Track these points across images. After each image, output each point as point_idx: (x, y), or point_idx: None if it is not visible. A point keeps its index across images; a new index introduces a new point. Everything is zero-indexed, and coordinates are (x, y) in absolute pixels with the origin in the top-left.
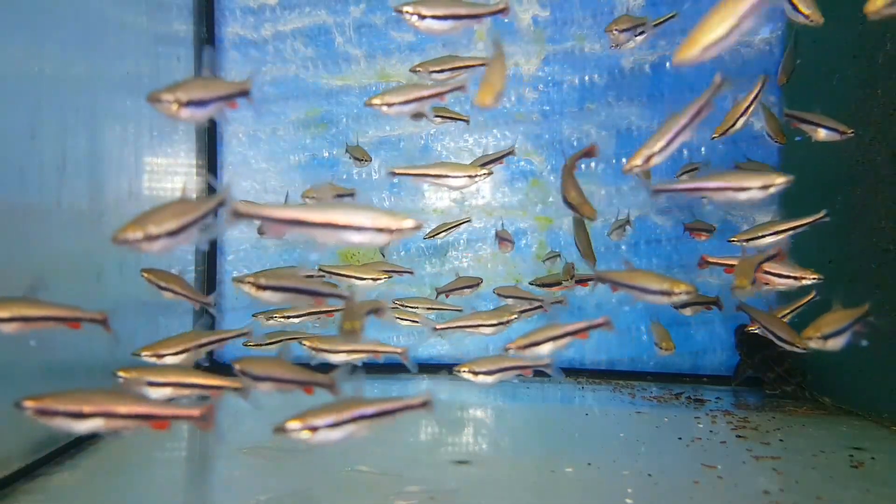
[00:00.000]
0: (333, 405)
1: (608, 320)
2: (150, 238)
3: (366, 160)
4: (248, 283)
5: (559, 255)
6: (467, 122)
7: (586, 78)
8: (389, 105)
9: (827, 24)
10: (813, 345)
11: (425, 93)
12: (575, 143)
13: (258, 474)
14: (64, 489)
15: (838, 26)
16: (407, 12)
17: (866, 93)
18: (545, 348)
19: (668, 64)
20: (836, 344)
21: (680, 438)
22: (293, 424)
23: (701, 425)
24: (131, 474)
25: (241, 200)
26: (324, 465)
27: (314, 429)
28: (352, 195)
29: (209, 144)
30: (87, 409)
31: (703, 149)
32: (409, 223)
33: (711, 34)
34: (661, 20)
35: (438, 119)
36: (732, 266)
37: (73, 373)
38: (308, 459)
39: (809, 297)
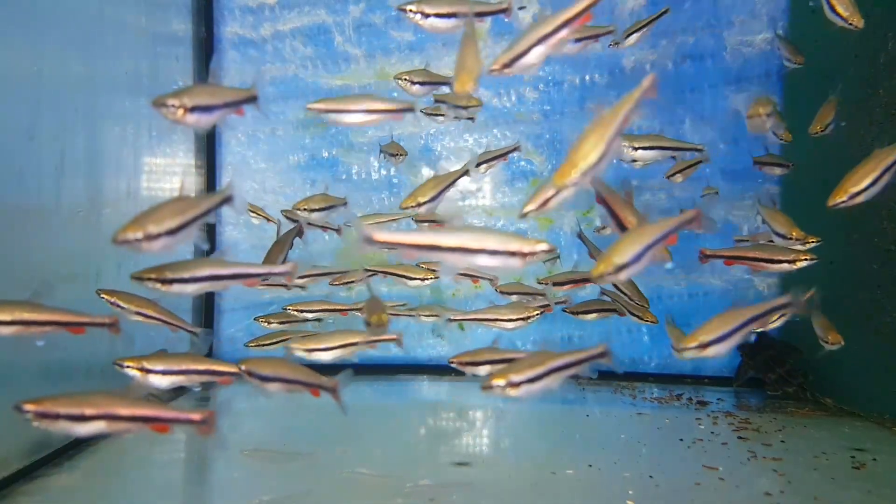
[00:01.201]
0: (526, 361)
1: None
2: (150, 237)
3: (401, 155)
4: (151, 279)
5: (558, 257)
6: (472, 119)
7: (587, 77)
8: (425, 14)
9: (828, 24)
10: (689, 355)
11: (464, 8)
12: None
13: (258, 476)
14: (63, 490)
15: (839, 27)
16: (410, 11)
17: (868, 93)
18: (483, 369)
19: (669, 64)
20: (717, 351)
21: (681, 440)
22: (498, 381)
23: (702, 426)
24: (130, 476)
25: (372, 225)
26: (324, 467)
27: (516, 384)
28: (344, 205)
29: (208, 144)
30: (88, 411)
31: (703, 149)
32: (542, 247)
33: (587, 160)
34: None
35: (442, 118)
36: (732, 258)
37: (72, 373)
38: (308, 461)
39: (808, 295)
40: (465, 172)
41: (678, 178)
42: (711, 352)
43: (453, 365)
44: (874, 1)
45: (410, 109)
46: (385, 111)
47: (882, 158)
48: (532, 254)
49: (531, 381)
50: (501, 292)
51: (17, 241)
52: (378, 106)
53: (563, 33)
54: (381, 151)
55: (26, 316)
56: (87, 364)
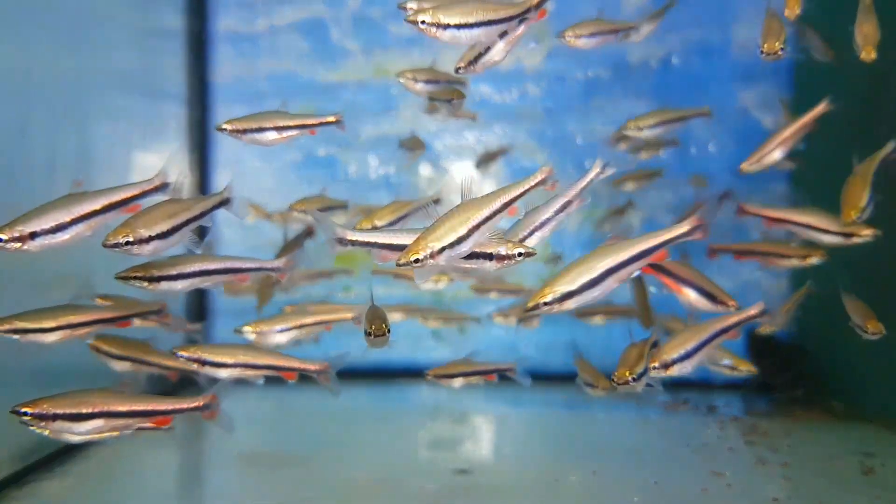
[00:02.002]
0: (634, 350)
1: (512, 367)
2: (140, 241)
3: (419, 150)
4: (137, 277)
5: (560, 258)
6: (474, 118)
7: (590, 73)
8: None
9: (839, 20)
10: (654, 375)
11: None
12: (579, 141)
13: (255, 482)
14: (54, 496)
15: (850, 23)
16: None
17: (878, 89)
18: (456, 382)
19: (674, 58)
20: (682, 369)
21: (688, 445)
22: (621, 375)
23: (709, 432)
24: (123, 482)
25: (344, 225)
26: (322, 473)
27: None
28: (344, 207)
29: (201, 142)
30: (86, 409)
31: (710, 145)
32: (519, 250)
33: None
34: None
35: (441, 115)
36: (741, 253)
37: (64, 376)
38: (306, 467)
39: (804, 291)
40: (436, 201)
41: (630, 185)
42: (676, 370)
43: (429, 379)
44: None
45: (333, 122)
46: (304, 126)
47: (866, 172)
48: (509, 257)
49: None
50: (477, 291)
51: None
52: (296, 122)
53: (521, 30)
54: (400, 146)
55: (72, 319)
56: (79, 367)
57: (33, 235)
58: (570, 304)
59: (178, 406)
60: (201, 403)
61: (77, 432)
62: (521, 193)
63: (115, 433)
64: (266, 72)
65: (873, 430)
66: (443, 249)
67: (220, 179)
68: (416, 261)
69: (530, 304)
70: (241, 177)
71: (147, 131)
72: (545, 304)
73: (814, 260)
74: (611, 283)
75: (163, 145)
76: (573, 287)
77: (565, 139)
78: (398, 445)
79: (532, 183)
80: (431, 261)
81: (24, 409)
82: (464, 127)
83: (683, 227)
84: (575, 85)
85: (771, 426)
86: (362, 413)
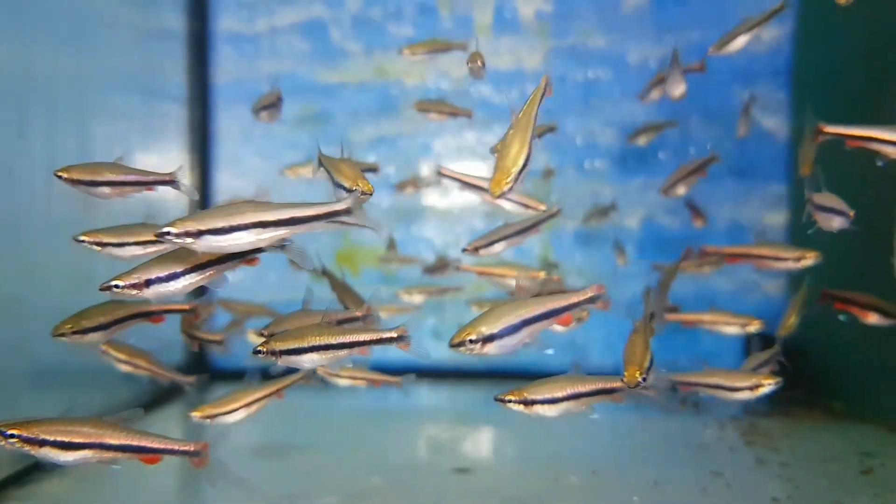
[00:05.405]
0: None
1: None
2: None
3: (443, 270)
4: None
5: (557, 265)
6: (469, 116)
7: (591, 73)
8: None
9: (837, 22)
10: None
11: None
12: (579, 142)
13: (254, 482)
14: (54, 496)
15: (848, 24)
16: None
17: (877, 90)
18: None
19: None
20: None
21: (687, 445)
22: (631, 376)
23: (709, 431)
24: (123, 481)
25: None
26: (321, 475)
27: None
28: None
29: (201, 141)
30: (76, 439)
31: (708, 145)
32: None
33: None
34: None
35: (434, 115)
36: (734, 256)
37: (59, 378)
38: (304, 467)
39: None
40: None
41: (642, 139)
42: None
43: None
44: None
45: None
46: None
47: None
48: None
49: None
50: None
51: (7, 242)
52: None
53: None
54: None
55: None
56: (76, 368)
57: (148, 283)
58: (491, 349)
59: (168, 447)
60: (192, 449)
61: (63, 460)
62: (573, 305)
63: (102, 463)
64: (266, 72)
65: (873, 430)
66: (493, 338)
67: (221, 179)
68: (461, 344)
69: (456, 340)
70: (241, 177)
71: (147, 132)
72: (471, 341)
73: (808, 261)
74: (524, 335)
75: (162, 144)
76: (494, 331)
77: (565, 139)
78: (398, 445)
79: (582, 298)
80: (479, 347)
81: (10, 431)
82: (464, 127)
83: (589, 293)
84: (575, 85)
85: (770, 426)
86: (361, 413)
